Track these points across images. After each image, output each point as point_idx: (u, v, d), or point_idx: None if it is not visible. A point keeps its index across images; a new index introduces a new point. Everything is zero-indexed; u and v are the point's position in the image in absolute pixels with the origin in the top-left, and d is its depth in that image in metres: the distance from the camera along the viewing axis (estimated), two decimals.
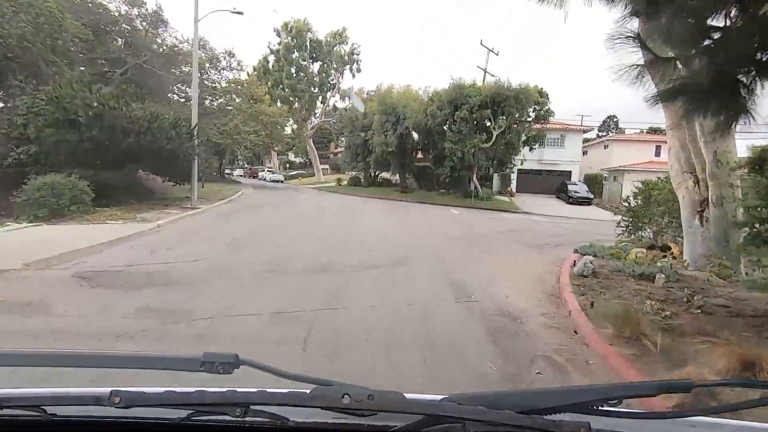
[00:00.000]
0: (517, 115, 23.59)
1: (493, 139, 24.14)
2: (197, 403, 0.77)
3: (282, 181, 43.78)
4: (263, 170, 50.03)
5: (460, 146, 23.20)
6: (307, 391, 0.75)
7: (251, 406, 0.76)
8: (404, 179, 30.31)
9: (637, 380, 3.23)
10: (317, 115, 41.46)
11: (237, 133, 26.85)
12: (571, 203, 27.89)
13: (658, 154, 32.82)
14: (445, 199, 25.78)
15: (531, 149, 27.60)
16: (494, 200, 26.20)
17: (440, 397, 0.82)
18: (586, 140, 39.05)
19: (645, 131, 38.52)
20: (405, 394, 0.77)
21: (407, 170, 30.11)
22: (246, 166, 60.80)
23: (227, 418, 0.76)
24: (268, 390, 0.78)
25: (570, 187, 28.93)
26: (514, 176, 32.48)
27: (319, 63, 39.74)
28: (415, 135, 27.43)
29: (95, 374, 2.14)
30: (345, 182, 35.75)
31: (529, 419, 0.74)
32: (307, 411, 0.80)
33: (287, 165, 62.50)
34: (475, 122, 23.88)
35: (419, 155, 30.36)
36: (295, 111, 39.89)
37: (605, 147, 34.77)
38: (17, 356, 0.94)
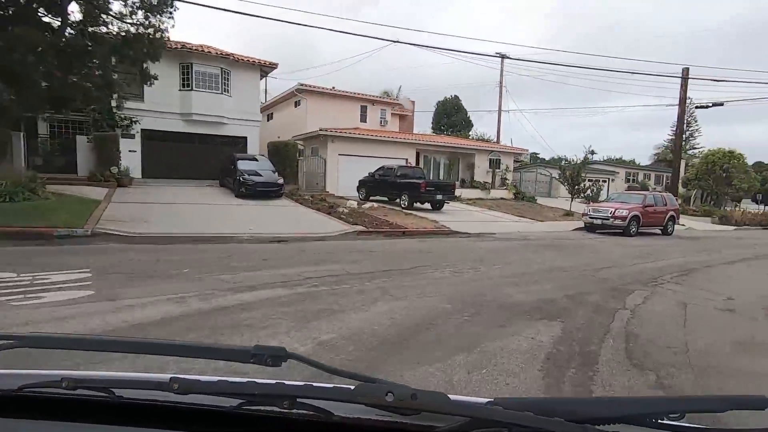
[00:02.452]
0: None
1: None
2: (248, 394, 0.78)
3: None
4: None
5: None
6: (351, 387, 0.76)
7: (297, 399, 0.76)
8: None
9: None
10: None
11: None
12: (245, 196, 14.48)
13: (364, 119, 23.58)
14: None
15: (149, 81, 12.14)
16: (51, 203, 9.65)
17: (485, 400, 0.79)
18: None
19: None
20: (449, 396, 0.74)
21: None
22: None
23: (275, 409, 0.77)
24: (314, 384, 0.79)
25: (241, 167, 15.29)
26: (135, 143, 16.32)
27: None
28: None
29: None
30: None
31: (580, 429, 0.69)
32: (350, 406, 0.78)
33: None
34: None
35: None
36: None
37: (297, 104, 23.02)
38: (85, 342, 1.06)
